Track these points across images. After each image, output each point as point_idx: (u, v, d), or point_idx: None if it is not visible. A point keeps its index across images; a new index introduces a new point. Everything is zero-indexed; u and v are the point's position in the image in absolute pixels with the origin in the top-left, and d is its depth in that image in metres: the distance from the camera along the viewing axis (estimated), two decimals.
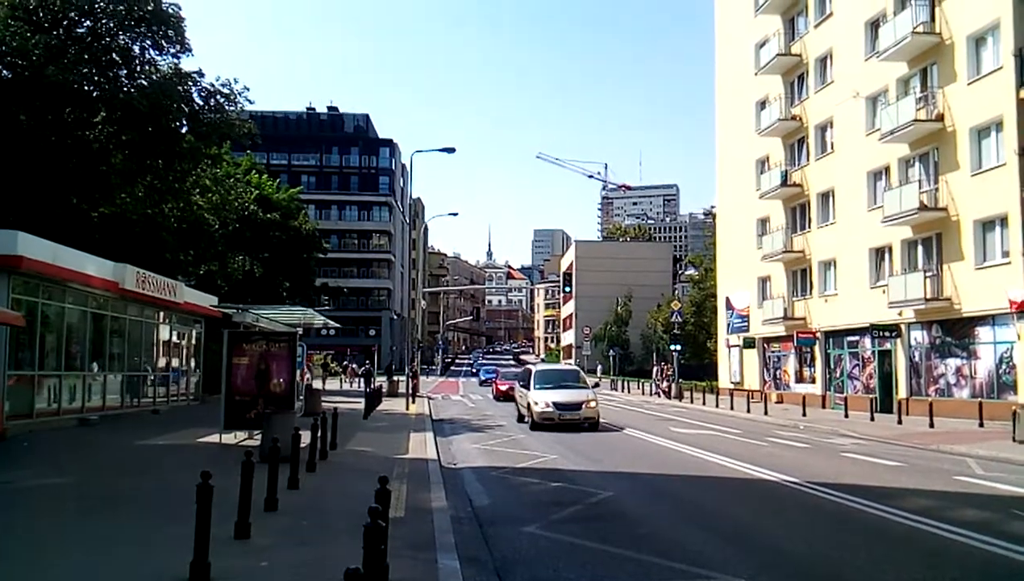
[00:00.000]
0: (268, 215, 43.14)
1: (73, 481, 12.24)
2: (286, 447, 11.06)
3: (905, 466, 15.77)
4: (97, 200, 26.66)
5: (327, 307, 50.72)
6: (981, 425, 22.88)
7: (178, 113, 25.57)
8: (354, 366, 58.37)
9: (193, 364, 31.70)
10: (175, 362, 29.85)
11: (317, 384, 40.19)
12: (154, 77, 25.32)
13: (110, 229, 27.42)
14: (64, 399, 20.97)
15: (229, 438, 16.96)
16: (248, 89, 27.82)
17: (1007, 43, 25.27)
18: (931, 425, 23.38)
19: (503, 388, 39.16)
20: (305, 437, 13.22)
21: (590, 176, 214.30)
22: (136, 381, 25.95)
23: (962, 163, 27.27)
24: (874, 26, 32.12)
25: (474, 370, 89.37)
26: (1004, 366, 25.66)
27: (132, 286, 23.20)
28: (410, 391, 34.40)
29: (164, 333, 28.76)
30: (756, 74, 41.38)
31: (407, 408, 30.96)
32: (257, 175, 45.40)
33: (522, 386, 26.53)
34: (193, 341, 31.37)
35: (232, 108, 27.11)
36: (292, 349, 17.53)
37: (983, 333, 26.68)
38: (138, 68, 25.53)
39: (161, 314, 27.71)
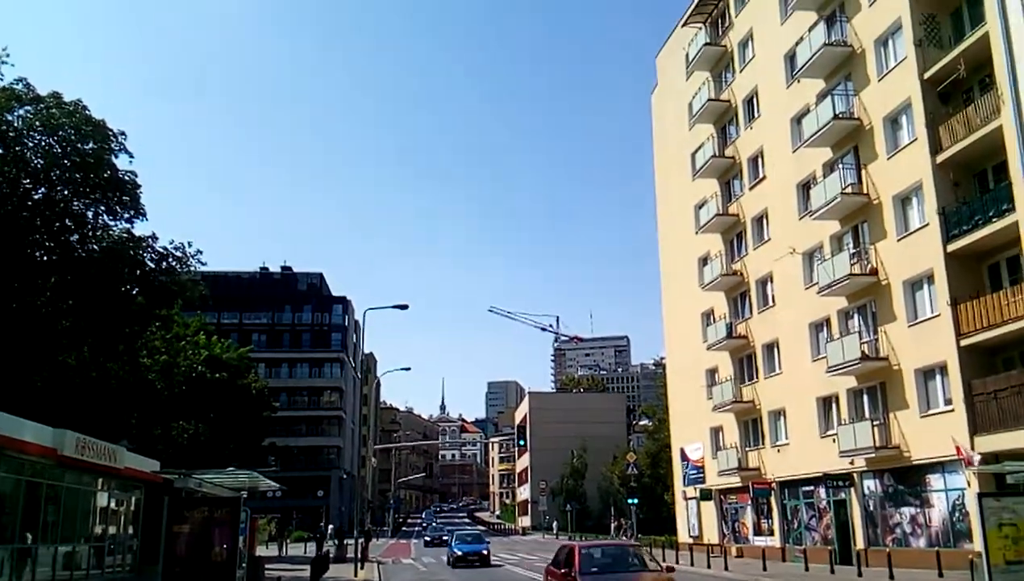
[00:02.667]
0: (217, 375, 42.46)
1: None
2: None
3: None
4: (40, 365, 26.09)
5: (274, 468, 49.10)
6: (940, 575, 22.72)
7: (129, 277, 25.61)
8: (330, 527, 55.98)
9: (131, 532, 30.17)
10: (112, 530, 28.41)
11: (262, 550, 38.39)
12: (106, 242, 25.49)
13: (51, 393, 26.70)
14: None
15: None
16: (201, 252, 28.14)
17: (930, 202, 26.85)
18: (891, 577, 23.12)
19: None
20: None
21: (542, 329, 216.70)
22: (70, 553, 24.53)
23: (899, 314, 28.30)
24: (805, 187, 34.01)
25: (426, 527, 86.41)
26: (957, 513, 25.72)
27: (72, 452, 22.33)
28: (359, 555, 33.03)
29: (102, 500, 27.48)
30: (697, 233, 43.07)
31: (355, 575, 29.64)
32: (206, 336, 45.02)
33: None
34: (132, 508, 29.98)
35: (184, 270, 27.26)
36: (235, 515, 16.92)
37: (934, 480, 26.87)
38: (90, 233, 25.73)
39: (100, 481, 26.58)
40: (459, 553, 36.72)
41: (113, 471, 26.18)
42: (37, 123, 24.53)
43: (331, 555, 36.07)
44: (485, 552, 37.15)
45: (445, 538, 54.58)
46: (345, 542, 41.69)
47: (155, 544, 19.13)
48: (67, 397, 27.11)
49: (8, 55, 24.57)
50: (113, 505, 28.52)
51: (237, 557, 17.43)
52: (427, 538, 62.19)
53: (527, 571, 29.85)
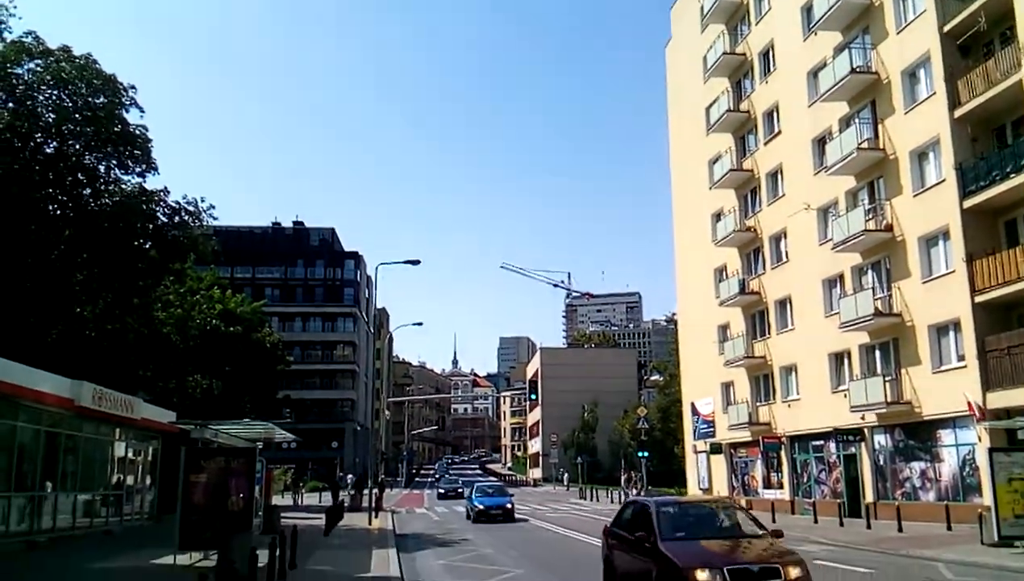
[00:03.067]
0: (231, 328, 42.81)
1: None
2: (243, 568, 10.71)
3: (877, 572, 15.65)
4: (56, 317, 26.36)
5: (289, 420, 49.69)
6: (949, 528, 22.85)
7: (142, 231, 25.69)
8: (350, 476, 56.42)
9: (149, 482, 30.74)
10: (130, 480, 28.95)
11: (277, 500, 39.06)
12: (118, 196, 25.53)
13: (68, 345, 27.01)
14: (12, 521, 20.14)
15: (184, 559, 16.36)
16: (214, 207, 28.15)
17: (948, 157, 26.55)
18: (900, 529, 23.28)
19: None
20: (263, 556, 12.84)
21: (554, 285, 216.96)
22: (90, 500, 25.05)
23: (913, 271, 28.15)
24: (821, 143, 33.63)
25: (439, 479, 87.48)
26: (967, 468, 25.84)
27: (88, 403, 22.70)
28: (373, 505, 33.56)
29: (120, 450, 27.98)
30: (711, 188, 42.78)
31: (370, 523, 30.13)
32: (220, 291, 45.29)
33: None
34: (149, 458, 30.51)
35: (197, 225, 27.33)
36: (251, 465, 17.19)
37: (945, 436, 26.95)
38: (103, 187, 25.78)
39: (117, 431, 27.03)
40: (480, 507, 33.08)
41: (130, 421, 26.60)
42: (47, 77, 24.45)
43: (346, 505, 36.58)
44: (509, 506, 33.63)
45: (460, 490, 54.71)
46: (364, 491, 42.18)
47: (172, 493, 19.46)
48: (83, 349, 27.43)
49: (15, 7, 24.40)
50: (131, 455, 29.03)
51: (253, 506, 17.75)
52: (441, 490, 59.62)
53: (555, 526, 29.67)
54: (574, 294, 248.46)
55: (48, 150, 25.18)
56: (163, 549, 17.91)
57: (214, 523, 16.07)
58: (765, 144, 38.57)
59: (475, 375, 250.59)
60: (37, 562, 17.71)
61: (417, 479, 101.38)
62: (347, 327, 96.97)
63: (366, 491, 40.16)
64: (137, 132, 25.89)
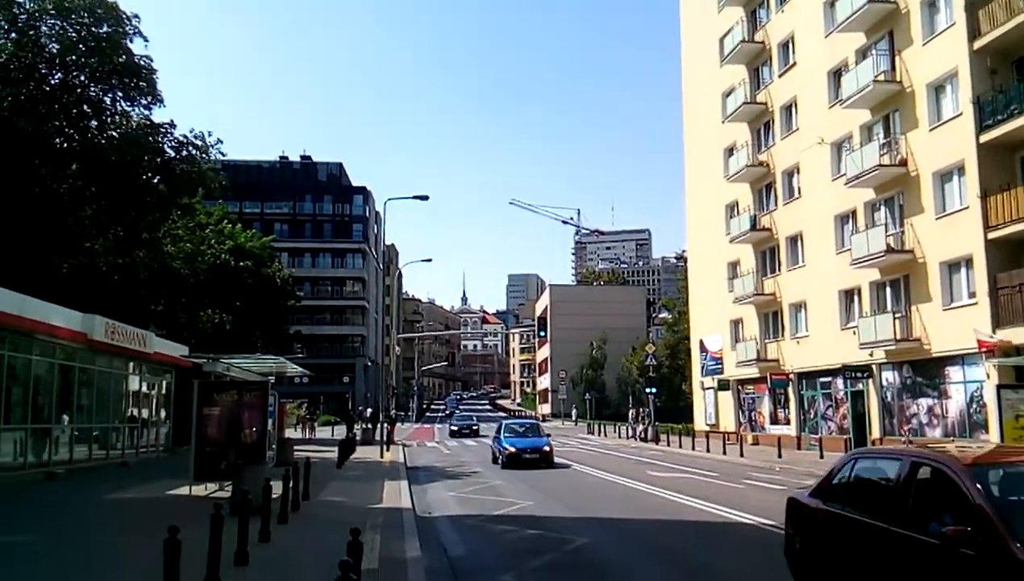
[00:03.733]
0: (241, 263, 42.93)
1: (39, 538, 11.93)
2: (257, 499, 10.89)
3: None
4: (66, 251, 26.43)
5: (300, 355, 50.25)
6: None
7: (149, 165, 25.56)
8: (369, 410, 56.01)
9: (163, 415, 31.21)
10: (145, 413, 29.39)
11: (290, 434, 39.67)
12: (125, 129, 25.33)
13: (79, 279, 27.14)
14: (30, 453, 20.53)
15: (199, 490, 16.65)
16: (221, 141, 28.03)
17: (965, 90, 26.01)
18: None
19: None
20: (277, 488, 13.04)
21: (563, 221, 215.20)
22: (105, 433, 25.48)
23: (926, 207, 27.84)
24: (836, 75, 32.96)
25: (449, 413, 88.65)
26: (975, 405, 25.94)
27: (101, 337, 22.91)
28: (385, 438, 34.03)
29: (134, 384, 28.35)
30: (723, 122, 42.16)
31: (382, 456, 30.60)
32: (230, 225, 45.28)
33: None
34: (163, 391, 30.93)
35: (204, 159, 27.15)
36: (264, 399, 17.35)
37: (953, 373, 27.00)
38: (109, 120, 25.59)
39: (131, 365, 27.34)
40: (512, 450, 27.04)
41: (143, 355, 26.88)
42: (50, 6, 24.06)
43: (358, 439, 37.09)
44: (547, 448, 27.57)
45: (475, 427, 53.16)
46: (370, 426, 42.78)
47: (186, 426, 19.73)
48: (95, 284, 27.58)
49: None
50: (144, 388, 29.42)
51: (266, 439, 18.00)
52: (453, 427, 55.10)
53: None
54: (583, 231, 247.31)
55: (53, 82, 24.95)
56: (178, 480, 18.24)
57: (228, 455, 16.32)
58: (780, 76, 37.84)
59: (484, 312, 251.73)
60: (55, 492, 18.09)
61: (428, 414, 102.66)
62: (356, 263, 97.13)
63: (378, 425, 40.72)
64: (142, 63, 25.58)
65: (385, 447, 32.85)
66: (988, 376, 24.53)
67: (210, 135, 27.38)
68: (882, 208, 30.59)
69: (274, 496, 11.79)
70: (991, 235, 24.80)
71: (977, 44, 25.53)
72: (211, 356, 30.06)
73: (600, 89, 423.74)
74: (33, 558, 10.29)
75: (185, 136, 26.87)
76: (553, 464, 26.84)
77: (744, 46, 39.86)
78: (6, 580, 8.81)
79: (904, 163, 28.80)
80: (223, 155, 28.65)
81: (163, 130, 26.20)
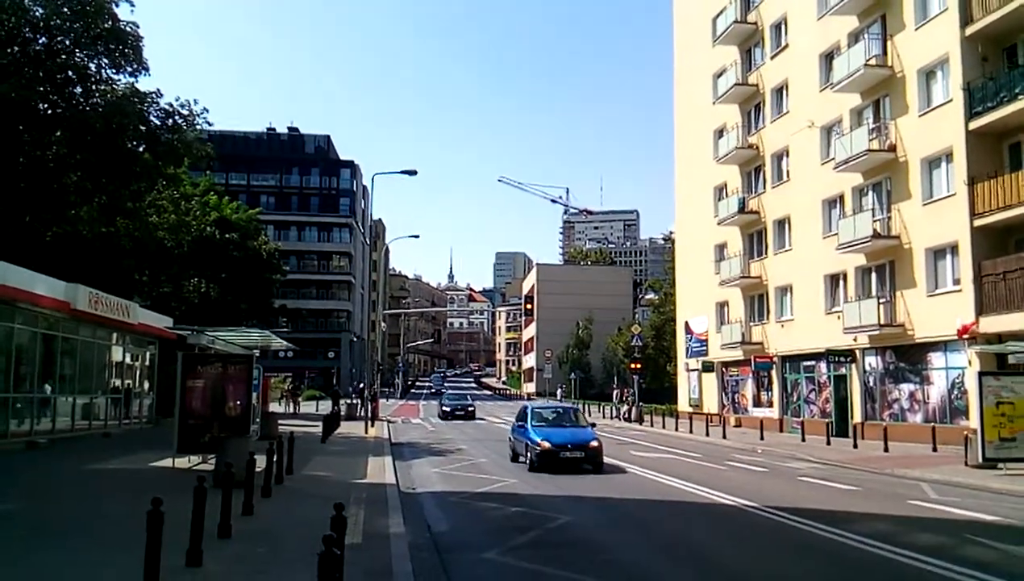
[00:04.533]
0: (227, 235, 42.60)
1: (19, 507, 11.87)
2: (240, 472, 10.86)
3: (861, 490, 15.96)
4: (50, 219, 26.14)
5: (285, 329, 49.95)
6: (935, 449, 23.27)
7: (135, 133, 25.24)
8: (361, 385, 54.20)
9: (147, 386, 31.07)
10: (128, 384, 29.25)
11: (275, 408, 39.59)
12: (110, 96, 24.98)
13: (63, 248, 26.87)
14: (12, 422, 20.40)
15: (183, 462, 16.60)
16: (208, 111, 27.70)
17: (956, 77, 26.00)
18: (886, 449, 23.71)
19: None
20: (261, 461, 13.02)
21: (552, 200, 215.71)
22: (88, 403, 25.34)
23: (914, 192, 27.91)
24: (828, 58, 32.91)
25: (434, 391, 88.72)
26: (956, 391, 26.16)
27: (84, 307, 22.73)
28: (369, 414, 34.04)
29: (117, 355, 28.19)
30: (714, 103, 42.04)
31: (366, 432, 30.63)
32: (216, 196, 44.87)
33: None
34: (147, 363, 30.78)
35: (190, 129, 26.84)
36: (248, 372, 17.28)
37: (935, 359, 27.20)
38: (94, 87, 25.21)
39: (114, 335, 27.18)
40: (547, 446, 19.07)
41: (127, 326, 26.72)
42: None
43: (342, 414, 37.06)
44: (596, 444, 19.29)
45: (470, 408, 46.84)
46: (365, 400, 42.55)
47: (170, 398, 19.66)
48: (79, 253, 27.32)
49: None
50: (128, 359, 29.26)
51: (251, 412, 17.94)
52: (445, 408, 46.99)
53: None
54: (572, 210, 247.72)
55: (37, 47, 24.51)
56: (161, 452, 18.18)
57: (212, 428, 16.27)
58: (772, 58, 37.72)
59: (471, 290, 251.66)
60: (37, 461, 18.00)
61: (412, 391, 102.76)
62: (343, 238, 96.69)
63: (357, 401, 40.67)
64: (128, 29, 25.16)
65: (370, 423, 32.88)
66: (970, 363, 24.71)
67: (196, 103, 27.06)
68: (870, 193, 30.66)
69: (258, 470, 11.79)
70: (977, 222, 24.91)
71: (969, 30, 25.50)
72: (195, 328, 29.79)
73: (592, 66, 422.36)
74: (12, 527, 10.23)
75: (171, 104, 26.54)
76: (603, 467, 19.23)
77: (737, 27, 39.69)
78: None
79: (893, 148, 28.83)
80: (209, 125, 28.36)
81: (149, 99, 25.84)
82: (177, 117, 26.46)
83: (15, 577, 7.61)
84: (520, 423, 21.57)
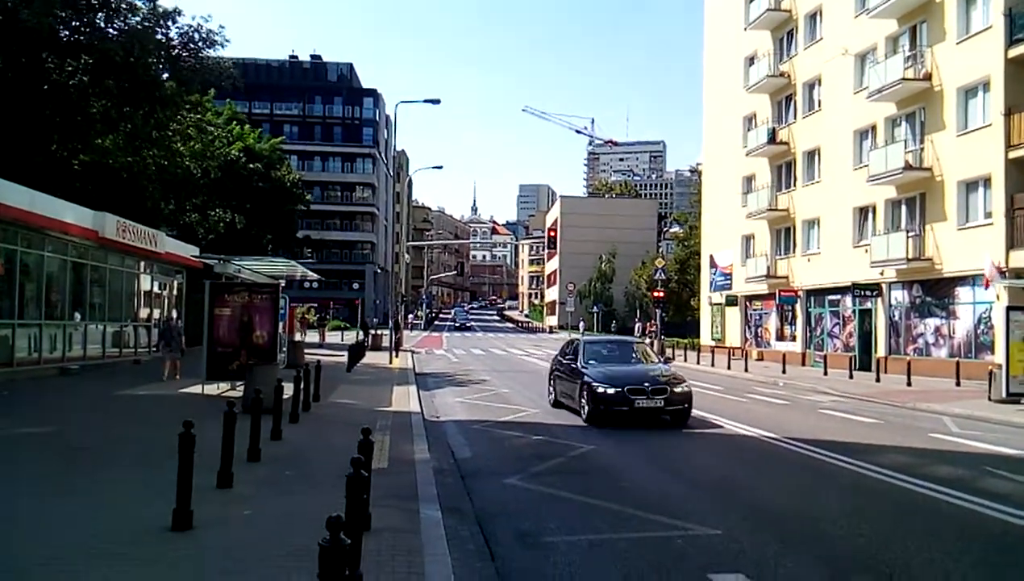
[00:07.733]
0: (251, 165, 42.62)
1: (54, 431, 12.21)
2: (269, 399, 11.06)
3: (882, 423, 16.00)
4: (76, 148, 26.23)
5: (310, 260, 50.19)
6: (958, 384, 23.21)
7: (156, 61, 25.10)
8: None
9: (175, 315, 31.50)
10: (156, 313, 29.70)
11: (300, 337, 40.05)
12: (131, 20, 24.77)
13: (91, 177, 27.02)
14: (45, 348, 20.85)
15: (211, 389, 16.96)
16: (224, 28, 27.44)
17: (997, 1, 25.12)
18: (909, 383, 23.65)
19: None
20: (288, 389, 13.25)
21: (577, 131, 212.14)
22: (118, 331, 25.81)
23: (948, 123, 27.25)
24: None
25: (457, 325, 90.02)
26: (982, 326, 25.95)
27: (112, 235, 22.96)
28: (393, 345, 34.42)
29: (145, 283, 28.56)
30: (745, 29, 40.98)
31: (390, 362, 31.02)
32: (239, 126, 44.73)
33: None
34: (175, 292, 31.17)
35: (210, 51, 26.71)
36: (275, 301, 17.48)
37: (963, 293, 26.92)
38: (115, 11, 24.95)
39: (142, 264, 27.49)
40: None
41: (154, 255, 27.00)
42: None
43: (367, 344, 37.48)
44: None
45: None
46: (379, 333, 43.14)
47: (198, 327, 19.94)
48: (105, 182, 27.45)
49: None
50: (156, 288, 29.66)
51: (277, 341, 18.19)
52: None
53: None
54: (597, 141, 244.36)
55: None
56: (190, 379, 18.54)
57: (239, 356, 16.54)
58: None
59: (494, 222, 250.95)
60: (72, 387, 18.44)
61: (436, 322, 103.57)
62: (366, 168, 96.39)
63: (383, 332, 41.08)
64: None
65: (394, 353, 33.27)
66: (998, 297, 24.44)
67: (209, 20, 27.06)
68: (903, 124, 29.98)
69: (285, 397, 11.98)
70: (1012, 154, 24.38)
71: None
72: (222, 257, 30.12)
73: None
74: (48, 449, 10.54)
75: (190, 25, 26.38)
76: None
77: None
78: (22, 473, 9.03)
79: (928, 77, 28.07)
80: (228, 42, 28.19)
81: (171, 17, 25.58)
82: (197, 38, 26.32)
83: (53, 493, 7.86)
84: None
